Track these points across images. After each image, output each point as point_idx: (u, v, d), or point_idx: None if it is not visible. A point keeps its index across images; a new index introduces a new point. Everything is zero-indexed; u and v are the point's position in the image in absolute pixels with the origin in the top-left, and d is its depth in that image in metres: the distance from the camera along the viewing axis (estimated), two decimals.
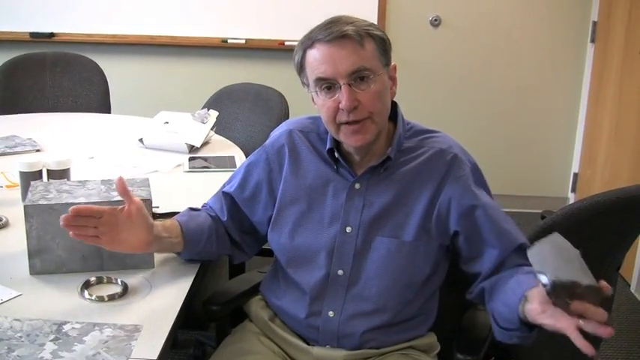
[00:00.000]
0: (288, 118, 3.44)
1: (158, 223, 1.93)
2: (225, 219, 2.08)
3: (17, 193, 2.51)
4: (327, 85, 1.79)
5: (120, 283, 1.92)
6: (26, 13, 5.16)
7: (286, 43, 4.95)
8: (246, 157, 2.97)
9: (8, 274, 1.95)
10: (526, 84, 5.24)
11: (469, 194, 1.84)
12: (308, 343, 1.97)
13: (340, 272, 1.91)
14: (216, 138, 3.32)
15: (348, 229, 1.90)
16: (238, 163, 2.94)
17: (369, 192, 1.88)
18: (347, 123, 1.80)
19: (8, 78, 4.07)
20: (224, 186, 2.12)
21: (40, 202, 1.93)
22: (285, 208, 1.98)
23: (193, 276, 1.97)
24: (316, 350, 1.95)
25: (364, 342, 1.91)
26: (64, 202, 1.94)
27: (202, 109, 3.37)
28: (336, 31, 1.76)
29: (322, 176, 1.94)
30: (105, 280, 1.94)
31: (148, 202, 1.98)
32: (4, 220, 2.30)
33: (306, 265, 1.95)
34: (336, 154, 1.90)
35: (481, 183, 1.89)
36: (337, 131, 1.83)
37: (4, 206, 2.43)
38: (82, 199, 1.95)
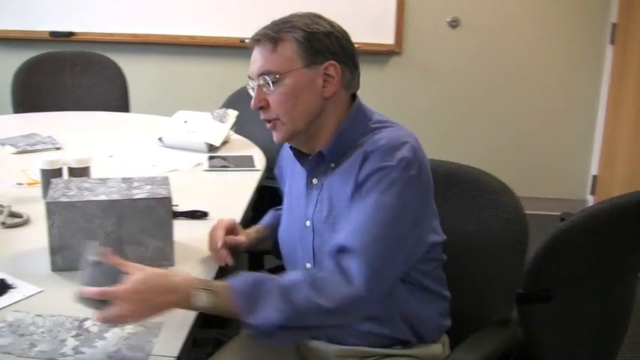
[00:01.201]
0: None
1: (249, 231, 2.13)
2: None
3: (38, 190, 2.52)
4: (251, 85, 1.87)
5: None
6: (46, 12, 5.20)
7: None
8: (265, 157, 3.01)
9: (30, 271, 1.97)
10: (544, 86, 5.23)
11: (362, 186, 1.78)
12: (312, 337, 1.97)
13: (308, 265, 1.93)
14: (236, 137, 3.33)
15: (308, 223, 1.92)
16: (257, 163, 2.96)
17: (323, 187, 1.88)
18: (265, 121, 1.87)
19: (28, 77, 4.10)
20: None
21: (62, 200, 1.95)
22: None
23: (213, 274, 1.98)
24: (312, 344, 1.95)
25: (349, 337, 1.89)
26: (85, 199, 1.95)
27: (221, 108, 3.38)
28: (255, 34, 1.84)
29: (296, 172, 1.99)
30: None
31: (167, 200, 1.99)
32: (25, 217, 2.32)
33: (289, 259, 2.02)
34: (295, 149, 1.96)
35: (386, 182, 1.74)
36: None
37: (25, 203, 2.44)
38: (103, 197, 1.96)
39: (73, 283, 1.89)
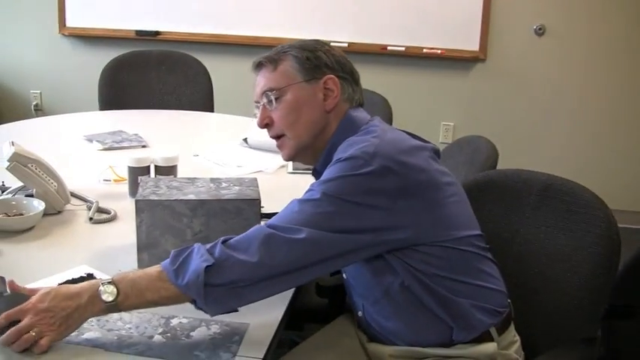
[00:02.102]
0: (391, 122, 3.41)
1: None
2: None
3: (124, 187, 2.55)
4: (257, 106, 1.96)
5: None
6: (133, 11, 5.28)
7: (389, 48, 4.94)
8: None
9: (117, 267, 1.97)
10: (634, 94, 5.09)
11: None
12: (370, 339, 1.97)
13: (344, 274, 1.98)
14: None
15: None
16: None
17: None
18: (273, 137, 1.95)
19: (115, 75, 4.14)
20: None
21: (151, 198, 1.95)
22: None
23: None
24: (371, 346, 1.95)
25: (390, 337, 1.87)
26: (174, 198, 1.95)
27: None
28: (255, 62, 1.96)
29: None
30: None
31: (256, 202, 1.98)
32: (112, 213, 2.34)
33: None
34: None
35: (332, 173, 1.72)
36: None
37: (111, 200, 2.47)
38: (192, 197, 1.96)
39: None
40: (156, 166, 2.50)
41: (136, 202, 1.95)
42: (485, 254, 1.87)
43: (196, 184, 2.07)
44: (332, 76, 1.87)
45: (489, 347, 1.83)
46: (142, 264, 1.97)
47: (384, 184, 1.69)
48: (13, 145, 2.31)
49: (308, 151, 1.93)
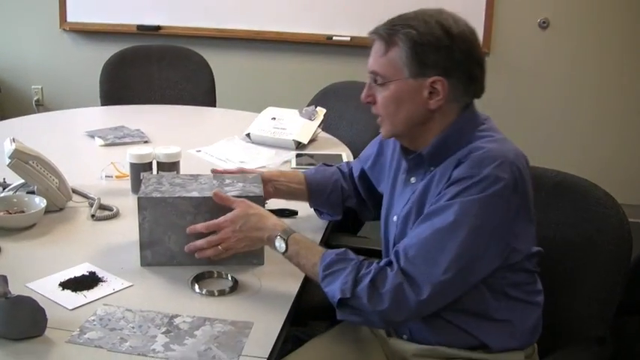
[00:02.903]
0: None
1: (274, 171, 2.34)
2: (355, 177, 2.29)
3: (126, 183, 2.52)
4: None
5: (230, 278, 1.90)
6: (134, 6, 5.25)
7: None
8: (354, 157, 2.96)
9: (119, 264, 1.96)
10: (639, 87, 5.05)
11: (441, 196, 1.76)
12: (389, 334, 1.97)
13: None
14: (323, 135, 3.27)
15: (394, 218, 1.94)
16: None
17: (418, 189, 1.85)
18: None
19: (117, 69, 4.11)
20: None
21: (154, 195, 1.93)
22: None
23: (303, 276, 1.94)
24: (392, 341, 1.95)
25: (428, 334, 1.86)
26: (177, 195, 1.93)
27: (309, 106, 3.34)
28: (373, 29, 1.83)
29: (402, 165, 1.98)
30: (215, 275, 1.93)
31: (260, 198, 1.96)
32: (114, 210, 2.31)
33: (383, 250, 2.04)
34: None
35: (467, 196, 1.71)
36: None
37: (113, 196, 2.44)
38: (195, 194, 1.94)
39: (163, 278, 1.90)
40: (158, 162, 2.47)
41: (139, 199, 1.92)
42: (536, 271, 1.89)
43: (199, 181, 2.04)
44: (441, 79, 1.76)
45: (518, 356, 1.85)
46: (144, 261, 1.96)
47: (515, 201, 1.72)
48: (14, 141, 2.28)
49: (405, 139, 1.89)
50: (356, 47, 4.99)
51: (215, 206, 1.93)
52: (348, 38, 5.00)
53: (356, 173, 2.29)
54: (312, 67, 5.14)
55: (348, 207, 2.32)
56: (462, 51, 1.76)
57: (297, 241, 1.86)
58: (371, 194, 2.26)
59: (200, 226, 1.92)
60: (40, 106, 5.52)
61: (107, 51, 4.30)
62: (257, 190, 1.99)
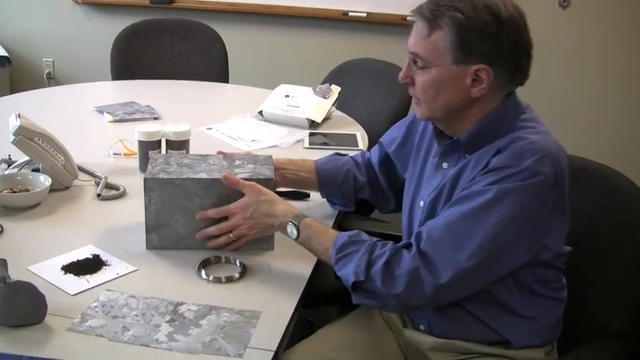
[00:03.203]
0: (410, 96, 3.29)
1: (283, 159, 2.20)
2: (375, 164, 2.20)
3: (135, 162, 2.45)
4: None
5: (238, 264, 1.84)
6: None
7: (409, 19, 4.76)
8: (369, 137, 2.88)
9: (124, 247, 1.90)
10: None
11: (473, 184, 1.68)
12: (405, 325, 1.93)
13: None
14: (337, 114, 3.20)
15: (421, 204, 1.87)
16: (360, 143, 2.82)
17: (449, 175, 1.78)
18: None
19: (128, 43, 4.03)
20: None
21: (161, 176, 1.86)
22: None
23: (314, 261, 1.88)
24: (407, 333, 1.90)
25: (447, 326, 1.81)
26: (184, 177, 1.86)
27: (323, 83, 3.26)
28: (416, 8, 1.72)
29: (433, 148, 1.91)
30: (223, 260, 1.87)
31: (270, 181, 1.90)
32: (121, 189, 2.25)
33: (404, 224, 2.00)
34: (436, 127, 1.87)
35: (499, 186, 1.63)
36: None
37: (121, 175, 2.38)
38: (204, 175, 1.87)
39: (169, 263, 1.84)
40: (167, 141, 2.41)
41: (145, 180, 1.86)
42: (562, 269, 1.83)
43: (208, 162, 1.97)
44: (485, 67, 1.66)
45: (537, 353, 1.80)
46: (150, 244, 1.91)
47: (552, 197, 1.66)
48: (19, 117, 2.22)
49: (441, 123, 1.81)
50: (372, 23, 4.90)
51: (224, 188, 1.86)
52: (365, 14, 4.88)
53: (376, 159, 2.20)
54: (327, 44, 5.03)
55: (361, 199, 2.23)
56: (510, 38, 1.66)
57: (309, 225, 1.81)
58: (393, 182, 2.17)
59: (211, 212, 1.88)
60: (52, 80, 5.45)
61: (120, 24, 4.20)
62: (268, 172, 1.92)
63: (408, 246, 1.69)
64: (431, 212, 1.81)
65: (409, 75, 1.75)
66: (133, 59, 4.03)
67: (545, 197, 1.63)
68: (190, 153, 2.36)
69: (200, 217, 1.88)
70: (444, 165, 1.82)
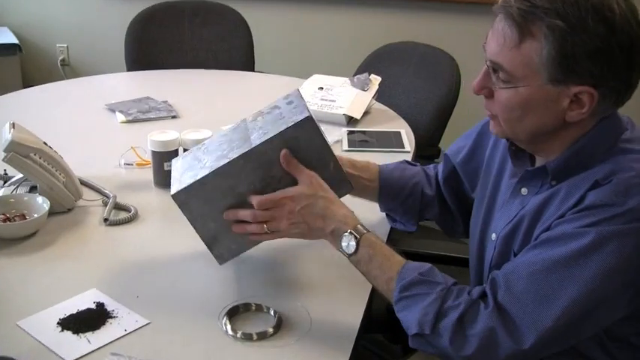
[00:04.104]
0: (459, 85, 2.95)
1: (344, 158, 1.81)
2: (441, 179, 1.89)
3: (149, 173, 2.13)
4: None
5: (272, 313, 1.51)
6: None
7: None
8: (414, 134, 2.54)
9: (135, 290, 1.59)
10: None
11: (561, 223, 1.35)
12: None
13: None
14: (378, 107, 2.84)
15: (493, 237, 1.57)
16: (406, 142, 2.47)
17: (530, 204, 1.46)
18: None
19: (144, 29, 3.69)
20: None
21: (188, 182, 1.53)
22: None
23: (364, 305, 1.56)
24: None
25: None
26: (215, 168, 1.52)
27: (359, 70, 2.93)
28: (502, 1, 1.35)
29: (506, 167, 1.61)
30: (253, 308, 1.54)
31: (309, 120, 1.54)
32: (132, 211, 1.92)
33: (471, 255, 1.71)
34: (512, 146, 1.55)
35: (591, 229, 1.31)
36: None
37: (133, 190, 2.08)
38: (234, 154, 1.52)
39: (188, 312, 1.56)
40: (185, 150, 2.08)
41: (174, 198, 1.53)
42: None
43: (223, 140, 1.63)
44: (590, 90, 1.31)
45: None
46: (222, 260, 1.64)
47: None
48: (13, 127, 1.90)
49: (524, 144, 1.49)
50: (415, 0, 4.51)
51: (265, 160, 1.52)
52: None
53: (441, 174, 1.88)
54: (363, 24, 4.67)
55: (427, 219, 1.93)
56: (624, 51, 1.30)
57: (372, 243, 1.50)
58: (462, 201, 1.86)
59: (253, 199, 1.54)
60: (66, 67, 5.19)
61: (137, 7, 3.86)
62: (301, 112, 1.54)
63: (484, 296, 1.38)
64: (505, 249, 1.51)
65: (487, 87, 1.42)
66: (149, 47, 3.70)
67: None
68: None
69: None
70: (523, 191, 1.50)
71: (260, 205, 1.53)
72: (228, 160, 1.51)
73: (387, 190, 1.88)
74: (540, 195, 1.43)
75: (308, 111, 1.52)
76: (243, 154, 1.50)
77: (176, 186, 1.55)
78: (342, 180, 1.61)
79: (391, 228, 1.94)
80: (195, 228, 1.58)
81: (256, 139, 1.52)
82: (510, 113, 1.39)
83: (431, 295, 1.39)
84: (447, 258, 2.06)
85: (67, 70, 5.15)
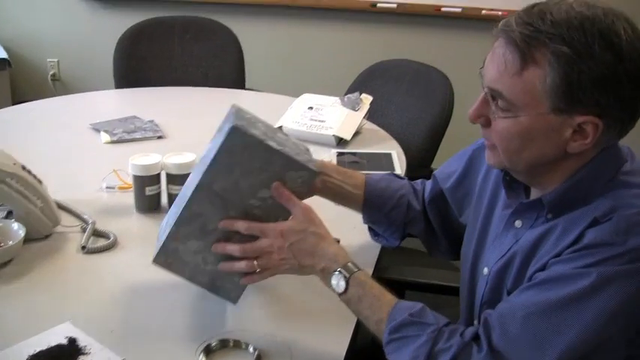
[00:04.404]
0: (452, 104, 2.89)
1: (330, 164, 1.83)
2: (426, 199, 1.84)
3: (131, 197, 2.06)
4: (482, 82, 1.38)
5: (252, 350, 1.44)
6: None
7: (443, 9, 4.39)
8: (405, 154, 2.48)
9: (109, 324, 1.52)
10: None
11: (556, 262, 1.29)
12: None
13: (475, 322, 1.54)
14: (369, 127, 2.78)
15: (485, 271, 1.51)
16: (397, 164, 2.41)
17: (524, 238, 1.40)
18: None
19: (133, 45, 3.63)
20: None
21: (163, 242, 1.48)
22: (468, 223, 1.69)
23: (349, 338, 1.51)
24: None
25: None
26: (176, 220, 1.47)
27: (352, 87, 2.89)
28: (504, 27, 1.29)
29: (498, 197, 1.55)
30: (231, 344, 1.46)
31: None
32: (112, 238, 1.86)
33: (461, 288, 1.66)
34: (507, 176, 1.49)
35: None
36: None
37: (114, 216, 2.02)
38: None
39: (164, 348, 1.47)
40: (168, 174, 2.02)
41: (156, 263, 1.52)
42: None
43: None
44: (595, 120, 1.26)
45: None
46: (234, 299, 1.58)
47: None
48: None
49: (519, 175, 1.43)
50: (404, 15, 4.50)
51: (219, 187, 1.46)
52: (395, 5, 4.50)
53: (428, 194, 1.83)
54: (354, 41, 4.67)
55: (410, 234, 1.87)
56: (631, 80, 1.24)
57: (362, 282, 1.45)
58: (446, 225, 1.81)
59: (240, 224, 1.48)
60: (57, 81, 5.17)
61: (129, 21, 3.82)
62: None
63: (477, 338, 1.31)
64: (497, 285, 1.45)
65: (485, 115, 1.36)
66: (138, 63, 3.65)
67: None
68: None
69: (224, 224, 1.49)
70: (517, 223, 1.43)
71: (248, 229, 1.48)
72: (184, 205, 1.46)
73: (372, 200, 1.82)
74: (535, 229, 1.37)
75: (231, 122, 1.45)
76: (191, 194, 1.45)
77: (155, 250, 1.51)
78: (300, 169, 1.50)
79: (380, 254, 1.87)
80: (192, 282, 1.54)
81: (201, 172, 1.46)
82: (510, 143, 1.33)
83: (421, 337, 1.33)
84: (436, 287, 2.00)
85: (57, 85, 5.12)
